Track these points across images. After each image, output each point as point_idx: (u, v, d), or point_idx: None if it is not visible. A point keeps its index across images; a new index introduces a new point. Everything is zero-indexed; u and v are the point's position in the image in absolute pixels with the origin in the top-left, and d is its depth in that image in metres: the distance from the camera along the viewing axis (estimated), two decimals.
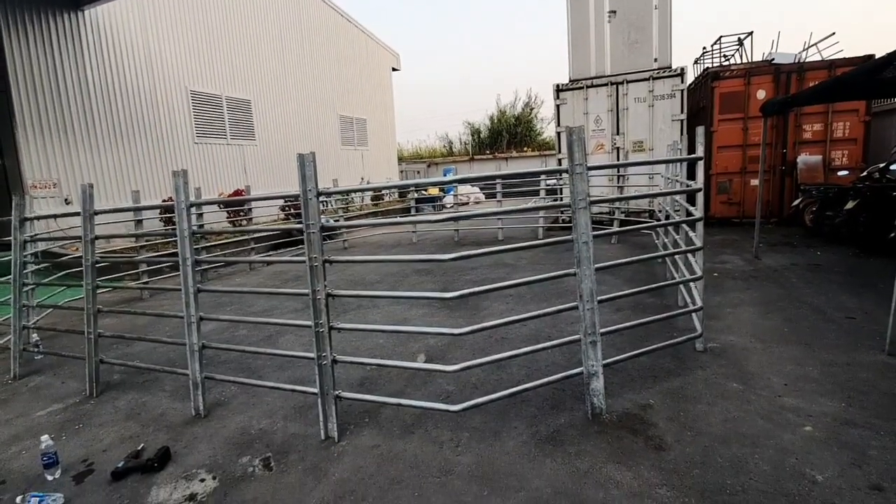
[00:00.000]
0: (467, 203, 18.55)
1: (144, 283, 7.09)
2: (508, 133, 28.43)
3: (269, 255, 9.47)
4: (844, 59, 8.86)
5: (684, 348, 3.52)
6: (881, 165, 7.28)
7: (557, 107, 10.41)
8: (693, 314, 3.38)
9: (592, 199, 2.61)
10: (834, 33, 10.38)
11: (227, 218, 10.95)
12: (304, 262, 2.68)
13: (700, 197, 3.39)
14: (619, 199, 4.58)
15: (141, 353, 4.50)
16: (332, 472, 2.44)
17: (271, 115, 14.49)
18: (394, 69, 21.74)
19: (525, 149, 27.20)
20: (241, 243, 9.26)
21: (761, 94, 9.28)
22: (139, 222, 7.05)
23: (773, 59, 9.75)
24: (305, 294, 2.71)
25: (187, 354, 3.17)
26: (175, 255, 3.18)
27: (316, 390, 2.76)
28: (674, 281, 3.38)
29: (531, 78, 62.88)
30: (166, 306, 6.19)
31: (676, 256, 4.05)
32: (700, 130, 3.40)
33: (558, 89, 10.33)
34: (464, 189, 18.48)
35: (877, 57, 8.60)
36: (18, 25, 8.63)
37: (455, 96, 55.71)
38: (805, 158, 9.13)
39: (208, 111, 12.31)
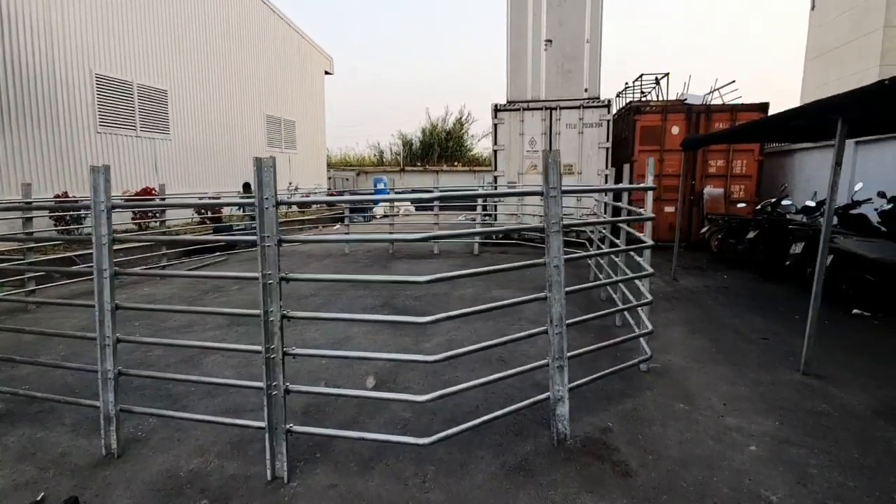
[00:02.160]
0: (397, 214, 18.37)
1: (30, 291, 6.06)
2: (440, 147, 28.74)
3: (198, 266, 8.58)
4: (744, 104, 10.04)
5: (630, 369, 3.65)
6: (772, 200, 8.27)
7: (495, 125, 10.67)
8: (641, 338, 3.50)
9: (566, 223, 2.61)
10: (734, 81, 11.78)
11: (133, 220, 9.81)
12: (256, 277, 2.38)
13: (649, 225, 3.57)
14: (594, 224, 4.69)
15: (29, 376, 3.78)
16: None
17: (190, 109, 13.32)
18: (327, 72, 21.12)
19: (455, 163, 27.65)
20: (148, 248, 8.29)
21: (675, 130, 10.21)
22: (28, 220, 6.02)
23: (685, 99, 10.82)
24: (256, 315, 2.41)
25: (99, 382, 2.68)
26: (68, 260, 2.68)
27: (263, 424, 2.44)
28: (629, 305, 3.49)
29: (463, 94, 64.37)
30: (58, 320, 5.31)
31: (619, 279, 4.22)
32: (649, 162, 3.58)
33: (496, 109, 10.60)
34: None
35: (769, 106, 9.89)
36: None
37: (385, 105, 55.41)
38: (710, 190, 10.16)
39: (115, 98, 11.00)
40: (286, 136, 18.14)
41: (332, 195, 18.89)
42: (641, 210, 3.77)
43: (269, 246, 2.36)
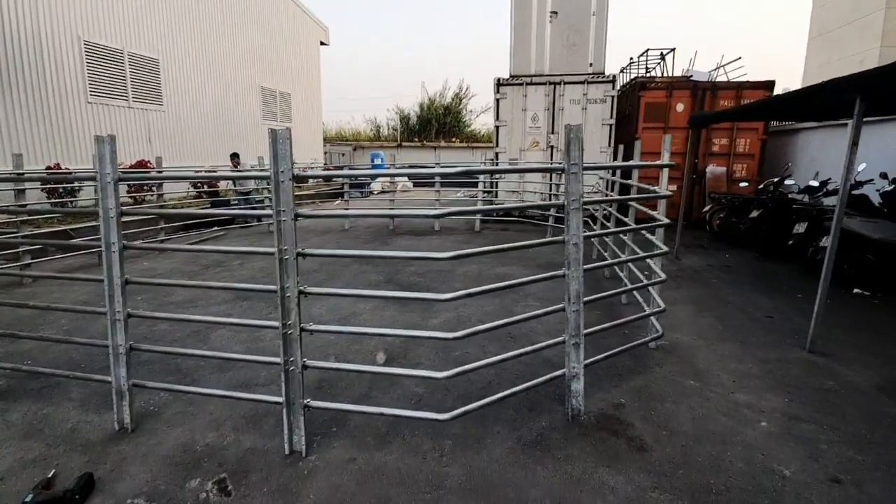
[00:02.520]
0: (395, 190, 18.20)
1: (26, 265, 5.96)
2: (438, 122, 28.32)
3: (198, 241, 8.47)
4: (750, 82, 9.89)
5: (639, 347, 3.67)
6: (775, 179, 8.24)
7: (497, 100, 10.47)
8: (652, 316, 3.51)
9: (587, 199, 2.56)
10: (740, 58, 11.59)
11: (129, 193, 9.64)
12: (272, 253, 2.33)
13: (663, 203, 3.53)
14: (614, 201, 4.57)
15: (31, 351, 3.74)
16: (305, 493, 2.16)
17: (184, 79, 12.95)
18: (322, 43, 20.56)
19: (454, 139, 27.31)
20: (146, 222, 8.16)
21: (680, 107, 10.08)
22: (21, 192, 5.88)
23: (691, 76, 10.64)
24: (273, 290, 2.37)
25: (111, 357, 2.65)
26: (63, 233, 2.61)
27: (281, 399, 2.43)
28: (642, 284, 3.47)
29: (462, 68, 63.06)
30: (58, 294, 5.24)
31: (627, 256, 4.21)
32: (666, 139, 3.51)
33: (499, 83, 10.38)
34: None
35: (776, 84, 9.75)
36: None
37: (382, 78, 54.20)
38: (713, 169, 10.10)
39: (106, 67, 10.66)
40: (281, 108, 17.76)
41: (327, 169, 18.64)
42: (656, 188, 3.73)
43: (285, 220, 2.30)
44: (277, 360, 2.40)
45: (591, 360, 2.85)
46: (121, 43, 10.97)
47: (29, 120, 9.03)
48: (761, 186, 8.44)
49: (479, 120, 29.36)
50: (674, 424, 2.70)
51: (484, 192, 10.58)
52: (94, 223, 7.10)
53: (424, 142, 26.45)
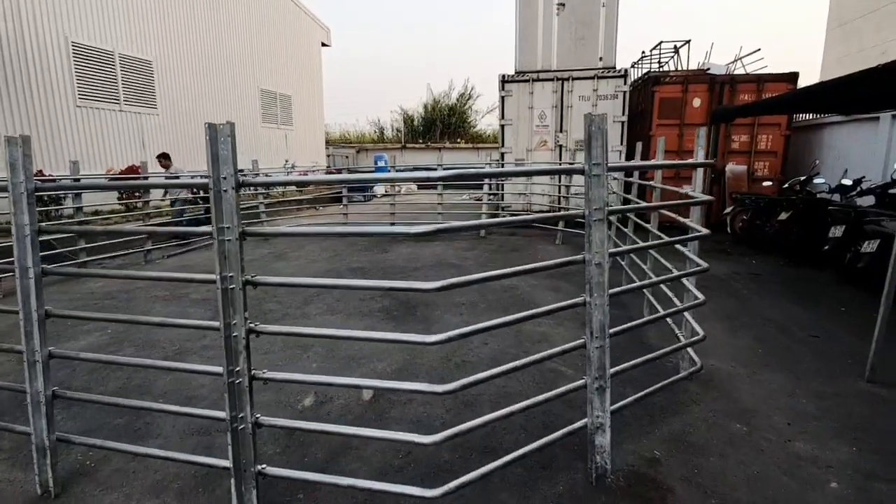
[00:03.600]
0: (398, 193, 17.72)
1: None
2: (442, 123, 27.83)
3: (180, 253, 8.03)
4: (772, 74, 9.28)
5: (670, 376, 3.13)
6: (802, 178, 7.63)
7: (502, 98, 9.95)
8: (690, 347, 2.96)
9: (611, 208, 2.04)
10: (759, 49, 10.97)
11: (119, 200, 9.23)
12: (212, 281, 1.84)
13: (698, 209, 3.00)
14: (647, 209, 3.94)
15: None
16: None
17: (178, 82, 12.57)
18: (324, 44, 20.16)
19: (458, 140, 26.81)
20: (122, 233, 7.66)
21: (697, 102, 9.49)
22: None
23: (708, 69, 10.05)
24: (215, 328, 1.87)
25: (29, 407, 2.17)
26: None
27: (228, 463, 1.93)
28: (679, 308, 2.93)
29: (467, 68, 62.47)
30: None
31: (669, 277, 3.67)
32: (699, 133, 2.98)
33: (504, 80, 9.86)
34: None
35: (798, 76, 9.13)
36: None
37: (385, 79, 53.74)
38: (732, 167, 9.49)
39: (95, 69, 10.28)
40: (282, 111, 17.36)
41: (330, 173, 18.21)
42: (688, 190, 3.19)
43: (228, 241, 1.80)
44: (221, 414, 1.91)
45: (619, 404, 2.32)
46: (111, 44, 10.59)
47: (11, 123, 8.65)
48: (786, 186, 7.84)
49: (485, 120, 28.84)
50: (724, 488, 2.17)
51: (489, 194, 10.06)
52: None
53: (429, 143, 25.97)
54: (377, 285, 2.04)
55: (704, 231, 2.82)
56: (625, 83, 9.38)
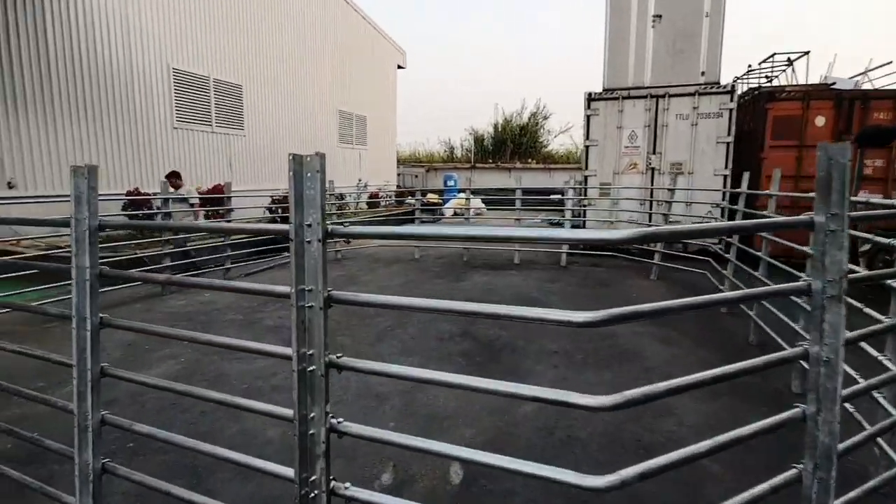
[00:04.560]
0: (467, 212, 17.35)
1: None
2: (513, 142, 27.36)
3: (254, 272, 8.09)
4: None
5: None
6: None
7: (588, 117, 9.26)
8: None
9: (854, 276, 1.37)
10: (892, 62, 9.46)
11: (206, 217, 9.55)
12: (288, 358, 1.40)
13: None
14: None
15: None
16: None
17: (264, 104, 13.12)
18: (399, 66, 20.53)
19: (529, 160, 26.16)
20: (211, 249, 7.84)
21: (820, 122, 8.24)
22: None
23: (833, 83, 8.76)
24: (288, 419, 1.43)
25: (76, 480, 1.85)
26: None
27: None
28: None
29: (537, 89, 61.97)
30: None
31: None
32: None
33: (590, 98, 9.19)
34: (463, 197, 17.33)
35: None
36: None
37: (456, 98, 54.33)
38: (867, 197, 8.08)
39: (192, 93, 10.90)
40: (357, 131, 17.73)
41: (402, 194, 18.27)
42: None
43: (310, 307, 1.37)
44: (289, 473, 1.45)
45: None
46: (207, 70, 11.21)
47: (116, 144, 9.27)
48: None
49: (558, 140, 28.00)
50: None
51: (571, 220, 9.32)
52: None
53: (499, 163, 25.55)
54: (530, 315, 1.49)
55: None
56: (731, 100, 8.38)
